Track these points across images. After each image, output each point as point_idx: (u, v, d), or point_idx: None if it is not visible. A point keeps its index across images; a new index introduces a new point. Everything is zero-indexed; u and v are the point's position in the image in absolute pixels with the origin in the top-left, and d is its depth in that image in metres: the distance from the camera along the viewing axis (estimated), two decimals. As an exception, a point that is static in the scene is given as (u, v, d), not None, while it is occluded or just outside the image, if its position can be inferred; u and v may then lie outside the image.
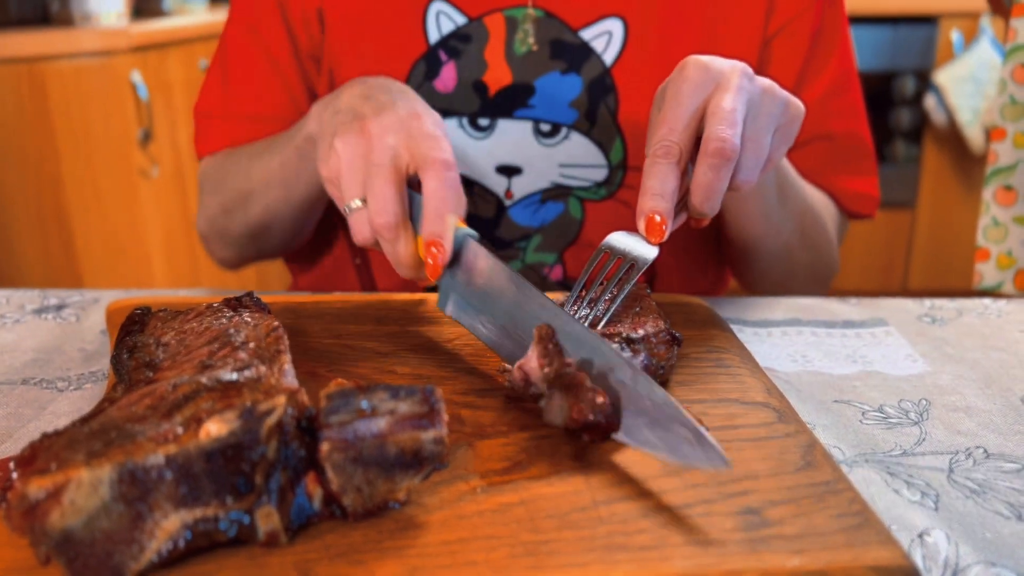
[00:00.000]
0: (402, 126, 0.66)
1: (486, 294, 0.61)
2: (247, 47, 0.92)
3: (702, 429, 0.47)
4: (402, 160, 0.65)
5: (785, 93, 0.64)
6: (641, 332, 0.58)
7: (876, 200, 0.95)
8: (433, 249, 0.61)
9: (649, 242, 0.60)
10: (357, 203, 0.66)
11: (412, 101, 0.70)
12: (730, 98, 0.60)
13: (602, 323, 0.60)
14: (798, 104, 0.65)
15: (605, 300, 0.61)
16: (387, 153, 0.65)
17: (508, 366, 0.59)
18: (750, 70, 0.63)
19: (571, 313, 0.60)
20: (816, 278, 0.93)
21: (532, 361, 0.54)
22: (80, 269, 2.14)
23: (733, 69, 0.62)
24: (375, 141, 0.65)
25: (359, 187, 0.65)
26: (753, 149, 0.61)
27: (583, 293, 0.62)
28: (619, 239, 0.61)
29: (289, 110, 0.91)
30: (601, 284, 0.61)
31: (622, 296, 0.60)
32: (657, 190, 0.60)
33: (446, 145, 0.65)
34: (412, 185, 0.67)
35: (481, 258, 0.62)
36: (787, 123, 0.64)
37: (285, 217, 0.87)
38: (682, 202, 0.64)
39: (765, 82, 0.64)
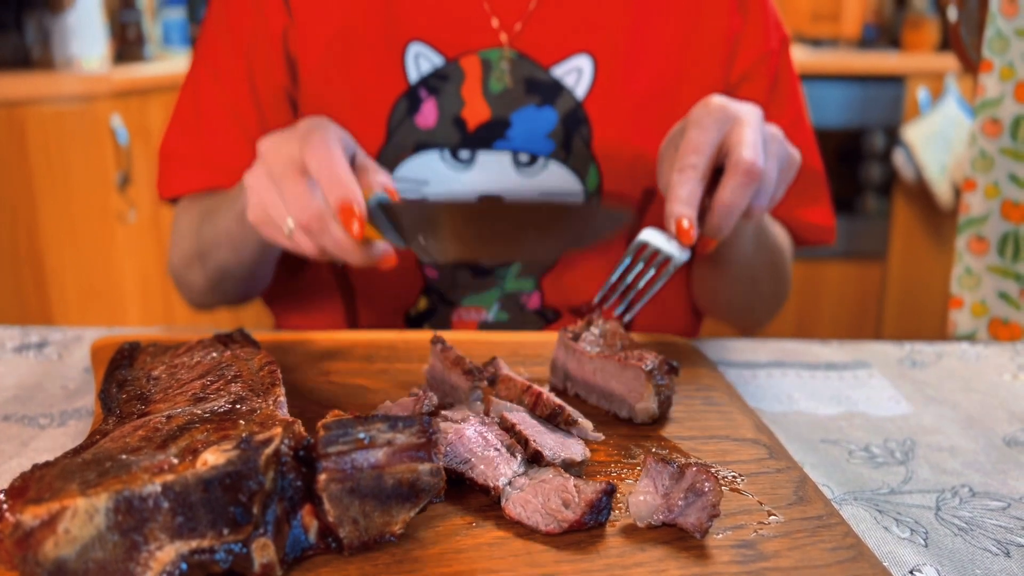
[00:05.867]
0: (294, 136, 0.69)
1: (434, 226, 0.66)
2: (211, 95, 0.93)
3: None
4: (301, 163, 0.67)
5: (787, 143, 0.72)
6: (648, 365, 0.59)
7: (832, 229, 1.00)
8: (351, 221, 0.64)
9: (679, 244, 0.66)
10: (291, 222, 0.67)
11: (312, 120, 0.72)
12: (751, 131, 0.67)
13: (635, 310, 0.64)
14: (796, 154, 0.73)
15: (639, 290, 0.66)
16: (284, 161, 0.67)
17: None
18: (762, 113, 0.70)
19: (604, 301, 0.66)
20: (774, 302, 1.01)
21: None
22: (52, 310, 2.12)
23: (751, 110, 0.70)
24: (271, 157, 0.68)
25: (283, 207, 0.67)
26: (766, 180, 0.68)
27: (619, 281, 0.67)
28: (654, 236, 0.67)
29: (250, 160, 0.92)
30: (638, 275, 0.66)
31: (657, 286, 0.65)
32: (685, 198, 0.66)
33: (321, 135, 0.67)
34: None
35: (407, 205, 0.67)
36: (787, 167, 0.72)
37: (238, 273, 0.88)
38: (699, 221, 0.69)
39: (772, 128, 0.71)
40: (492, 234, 0.66)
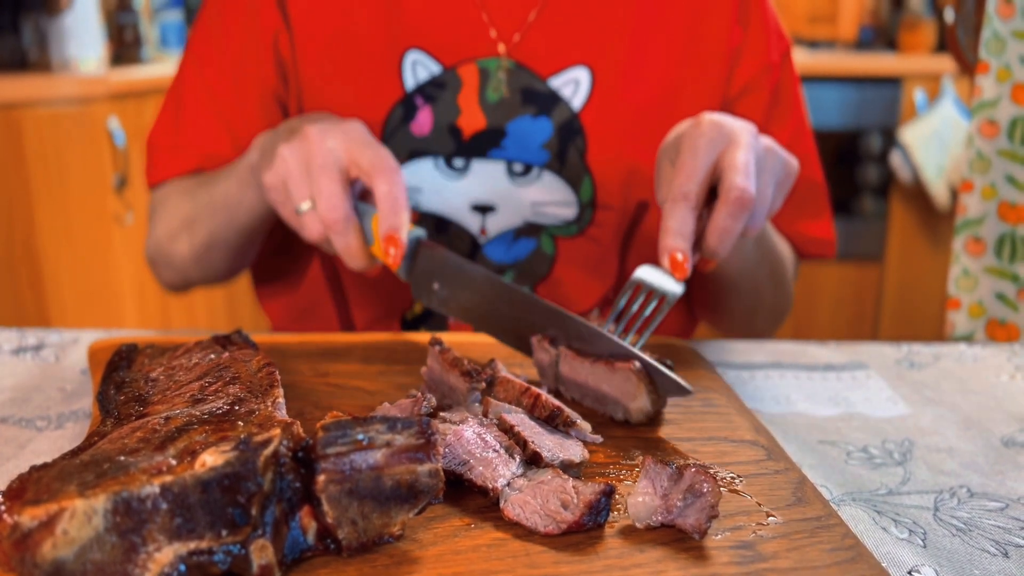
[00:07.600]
0: (341, 132, 0.73)
1: (454, 283, 0.71)
2: (196, 87, 0.94)
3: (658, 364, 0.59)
4: (344, 163, 0.72)
5: (783, 152, 0.70)
6: (638, 365, 0.59)
7: (832, 243, 1.00)
8: (391, 248, 0.69)
9: (674, 278, 0.65)
10: (307, 205, 0.72)
11: (348, 119, 0.77)
12: (744, 154, 0.66)
13: (636, 348, 0.63)
14: (793, 163, 0.72)
15: (637, 330, 0.65)
16: (330, 156, 0.72)
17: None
18: (756, 129, 0.69)
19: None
20: (776, 315, 1.00)
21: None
22: (49, 312, 2.11)
23: (743, 128, 0.68)
24: (316, 145, 0.72)
25: (306, 189, 0.72)
26: (761, 200, 0.67)
27: (617, 322, 0.66)
28: (648, 273, 0.65)
29: (229, 151, 0.94)
30: (634, 316, 0.65)
31: (654, 326, 0.64)
32: (678, 230, 0.65)
33: (388, 152, 0.73)
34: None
35: (438, 252, 0.71)
36: (784, 178, 0.71)
37: (228, 241, 0.90)
38: (695, 245, 0.68)
39: (767, 141, 0.69)
40: (522, 326, 0.68)
